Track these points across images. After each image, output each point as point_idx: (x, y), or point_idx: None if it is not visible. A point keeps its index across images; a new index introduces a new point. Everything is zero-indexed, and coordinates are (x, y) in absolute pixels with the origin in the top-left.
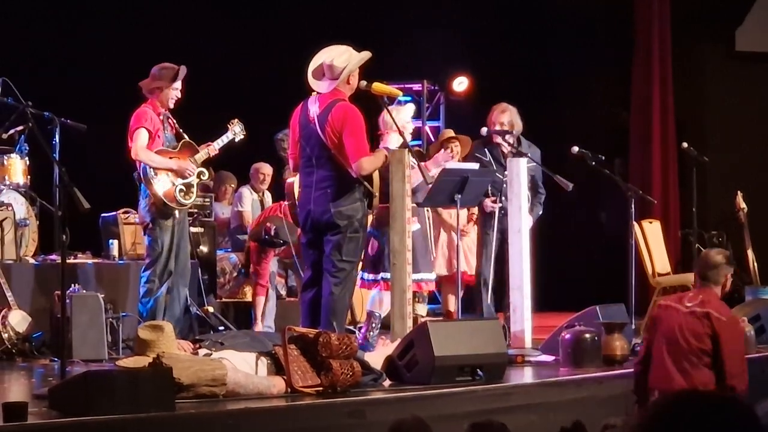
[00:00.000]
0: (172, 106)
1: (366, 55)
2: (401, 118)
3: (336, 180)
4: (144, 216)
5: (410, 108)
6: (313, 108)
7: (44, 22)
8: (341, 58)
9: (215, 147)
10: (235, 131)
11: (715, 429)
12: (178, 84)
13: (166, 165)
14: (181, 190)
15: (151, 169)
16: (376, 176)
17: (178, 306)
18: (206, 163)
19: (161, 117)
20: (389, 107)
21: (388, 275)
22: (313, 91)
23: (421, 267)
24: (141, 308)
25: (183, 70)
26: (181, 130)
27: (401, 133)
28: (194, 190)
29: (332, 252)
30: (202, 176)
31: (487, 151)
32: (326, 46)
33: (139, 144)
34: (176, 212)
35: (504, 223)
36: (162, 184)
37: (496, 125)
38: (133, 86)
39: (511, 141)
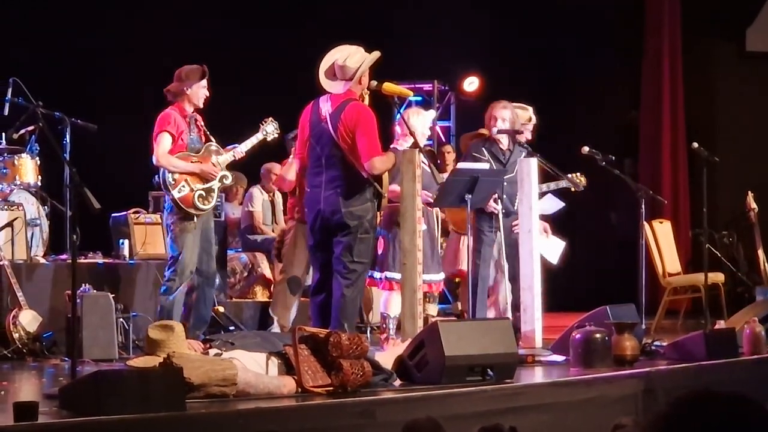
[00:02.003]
0: (201, 105)
1: (376, 55)
2: (421, 124)
3: (346, 180)
4: (167, 216)
5: (431, 114)
6: (325, 107)
7: (54, 22)
8: (354, 59)
9: (241, 150)
10: (267, 131)
11: (727, 427)
12: (204, 82)
13: (188, 169)
14: (200, 196)
15: (170, 175)
16: (385, 177)
17: (204, 307)
18: (229, 167)
19: (188, 119)
20: (399, 108)
21: (393, 275)
22: (324, 90)
23: (428, 268)
24: (159, 308)
25: (206, 69)
26: (208, 133)
27: (413, 135)
28: (214, 194)
29: (343, 253)
30: (224, 180)
31: (484, 150)
32: (337, 45)
33: (161, 149)
34: (194, 217)
35: (506, 224)
36: (180, 189)
37: (497, 120)
38: (143, 86)
39: (523, 141)
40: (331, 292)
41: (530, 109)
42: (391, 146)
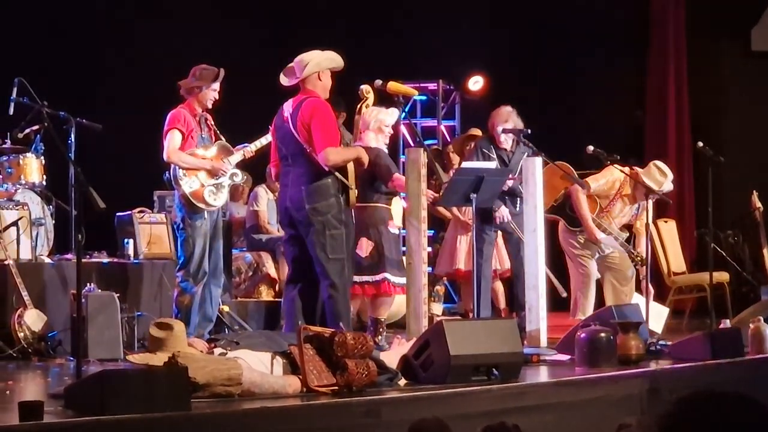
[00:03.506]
0: (210, 106)
1: (335, 56)
2: (381, 119)
3: (310, 177)
4: (176, 214)
5: (394, 113)
6: (287, 109)
7: (60, 21)
8: (309, 54)
9: (251, 149)
10: None
11: (732, 428)
12: (216, 85)
13: (199, 165)
14: (211, 191)
15: (181, 170)
16: (351, 170)
17: (209, 306)
18: (237, 166)
19: (197, 118)
20: (404, 107)
21: (389, 276)
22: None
23: (398, 269)
24: (175, 309)
25: (222, 73)
26: (218, 132)
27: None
28: (224, 191)
29: (318, 253)
30: (234, 178)
31: (492, 148)
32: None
33: (171, 146)
34: (205, 213)
35: (508, 225)
36: (190, 185)
37: (499, 128)
38: (148, 86)
39: (525, 141)
40: (304, 286)
41: (669, 176)
42: (357, 144)
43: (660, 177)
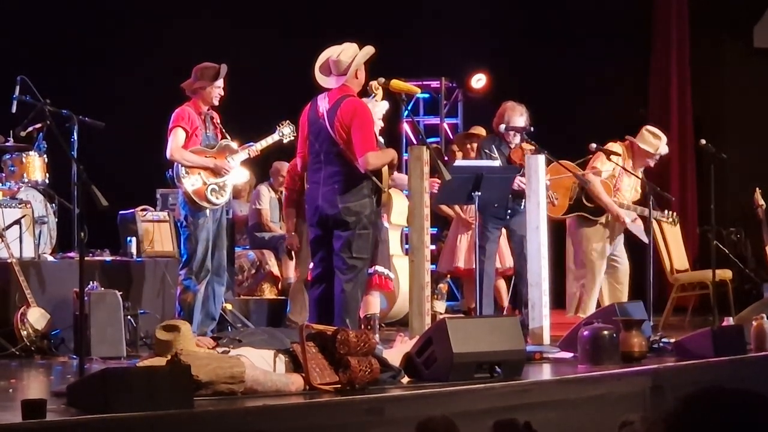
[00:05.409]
0: (216, 103)
1: (369, 49)
2: (374, 112)
3: (344, 176)
4: (180, 212)
5: (384, 106)
6: (323, 104)
7: (63, 19)
8: (347, 53)
9: (256, 148)
10: (284, 132)
11: (741, 424)
12: (220, 82)
13: (202, 163)
14: (213, 190)
15: (183, 168)
16: (385, 171)
17: (212, 304)
18: (244, 164)
19: (203, 116)
20: (407, 105)
21: (379, 269)
22: (323, 88)
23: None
24: (178, 306)
25: (224, 68)
26: (223, 130)
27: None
28: (227, 189)
29: (342, 249)
30: (238, 176)
31: (494, 147)
32: (345, 42)
33: (174, 144)
34: (207, 211)
35: (512, 223)
36: (192, 183)
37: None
38: (151, 84)
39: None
40: (330, 285)
41: (663, 139)
42: None
43: (654, 140)
